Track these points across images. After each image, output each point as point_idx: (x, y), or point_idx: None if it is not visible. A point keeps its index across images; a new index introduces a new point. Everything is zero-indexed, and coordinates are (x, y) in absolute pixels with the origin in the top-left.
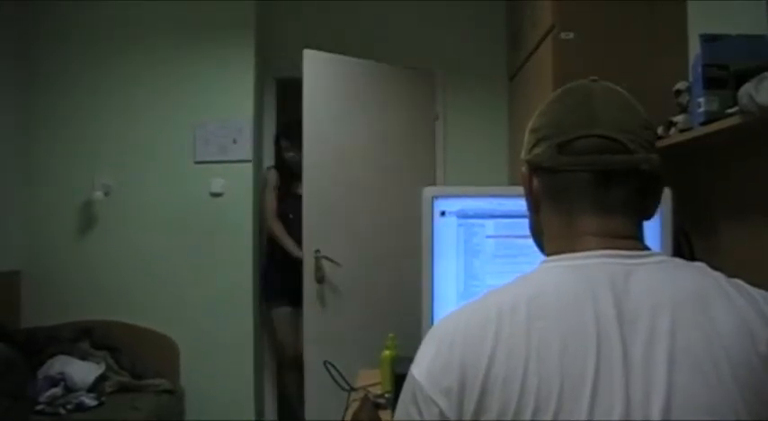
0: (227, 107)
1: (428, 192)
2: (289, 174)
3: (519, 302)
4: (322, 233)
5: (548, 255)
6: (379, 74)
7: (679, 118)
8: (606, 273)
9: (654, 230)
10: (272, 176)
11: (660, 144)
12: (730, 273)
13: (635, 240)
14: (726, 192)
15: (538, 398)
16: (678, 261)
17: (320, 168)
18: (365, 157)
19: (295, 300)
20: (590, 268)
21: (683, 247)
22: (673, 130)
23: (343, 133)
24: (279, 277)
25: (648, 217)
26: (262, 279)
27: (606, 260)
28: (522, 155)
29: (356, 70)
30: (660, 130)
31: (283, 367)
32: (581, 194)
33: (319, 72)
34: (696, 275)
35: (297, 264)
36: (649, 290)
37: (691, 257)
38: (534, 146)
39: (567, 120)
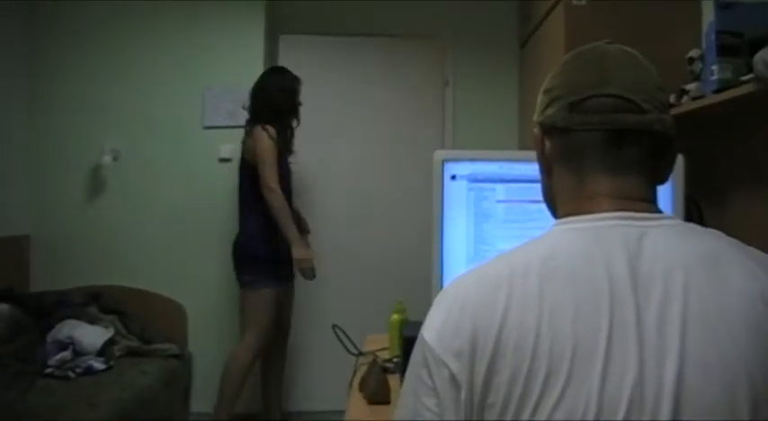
0: (236, 72)
1: (438, 155)
2: (286, 134)
3: (531, 264)
4: (325, 206)
5: (560, 217)
6: (373, 47)
7: (692, 86)
8: (619, 235)
9: (665, 197)
10: (273, 132)
11: (672, 112)
12: (740, 241)
13: (648, 203)
14: (737, 161)
15: (550, 362)
16: (691, 225)
17: (319, 143)
18: (368, 127)
19: (285, 277)
20: (603, 230)
21: (693, 215)
22: (685, 98)
23: (340, 107)
24: (272, 255)
25: (662, 181)
26: (245, 248)
27: (619, 222)
28: (535, 117)
29: (336, 50)
30: (672, 98)
31: (265, 351)
32: (593, 154)
33: (300, 58)
34: (709, 239)
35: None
36: (663, 252)
37: (701, 225)
38: (547, 106)
39: (580, 80)
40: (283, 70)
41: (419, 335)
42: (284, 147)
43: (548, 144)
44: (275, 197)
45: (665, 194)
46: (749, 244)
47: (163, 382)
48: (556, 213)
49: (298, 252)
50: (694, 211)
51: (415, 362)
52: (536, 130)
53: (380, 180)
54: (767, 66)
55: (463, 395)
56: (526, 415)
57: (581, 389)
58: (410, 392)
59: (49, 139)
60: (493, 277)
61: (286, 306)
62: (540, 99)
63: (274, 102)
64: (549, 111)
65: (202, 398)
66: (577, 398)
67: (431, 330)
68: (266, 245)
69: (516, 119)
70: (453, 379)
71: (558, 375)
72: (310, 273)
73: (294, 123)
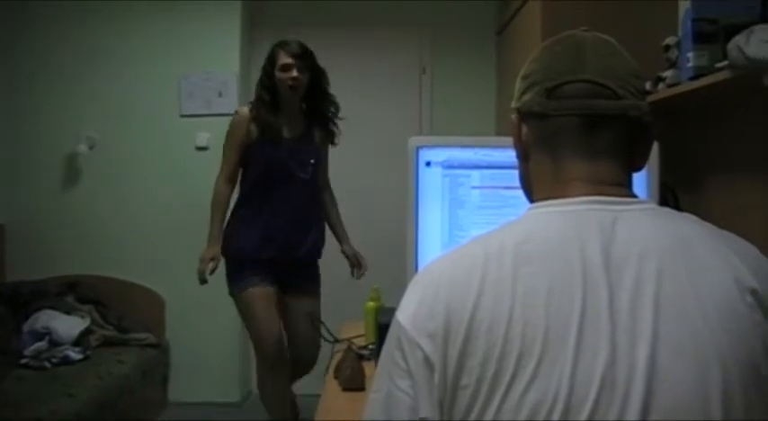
0: (213, 59)
1: (413, 141)
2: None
3: (505, 247)
4: None
5: (535, 201)
6: (350, 36)
7: (668, 73)
8: (594, 219)
9: (641, 184)
10: (244, 112)
11: (648, 99)
12: (714, 226)
13: (623, 187)
14: (713, 148)
15: (523, 344)
16: (665, 209)
17: None
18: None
19: (283, 278)
20: (577, 214)
21: (668, 202)
22: (661, 86)
23: None
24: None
25: (637, 167)
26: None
27: (593, 206)
28: (513, 103)
29: (313, 39)
30: (649, 86)
31: (266, 370)
32: (569, 139)
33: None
34: (684, 223)
35: (281, 221)
36: (637, 236)
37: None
38: (524, 92)
39: (557, 66)
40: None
41: (394, 318)
42: (267, 128)
43: (524, 129)
44: (215, 187)
45: (641, 181)
46: (725, 229)
47: (140, 372)
48: (532, 198)
49: (205, 251)
50: (670, 198)
51: (390, 344)
52: (513, 116)
53: (357, 168)
54: (741, 53)
55: (437, 377)
56: (498, 396)
57: (553, 371)
58: (384, 374)
59: (23, 128)
60: (467, 260)
61: (295, 319)
62: (518, 85)
63: (261, 76)
64: (527, 97)
65: (180, 386)
66: (549, 380)
67: (405, 313)
68: (245, 241)
69: (494, 106)
70: (427, 361)
71: (529, 357)
72: (200, 275)
73: (288, 99)
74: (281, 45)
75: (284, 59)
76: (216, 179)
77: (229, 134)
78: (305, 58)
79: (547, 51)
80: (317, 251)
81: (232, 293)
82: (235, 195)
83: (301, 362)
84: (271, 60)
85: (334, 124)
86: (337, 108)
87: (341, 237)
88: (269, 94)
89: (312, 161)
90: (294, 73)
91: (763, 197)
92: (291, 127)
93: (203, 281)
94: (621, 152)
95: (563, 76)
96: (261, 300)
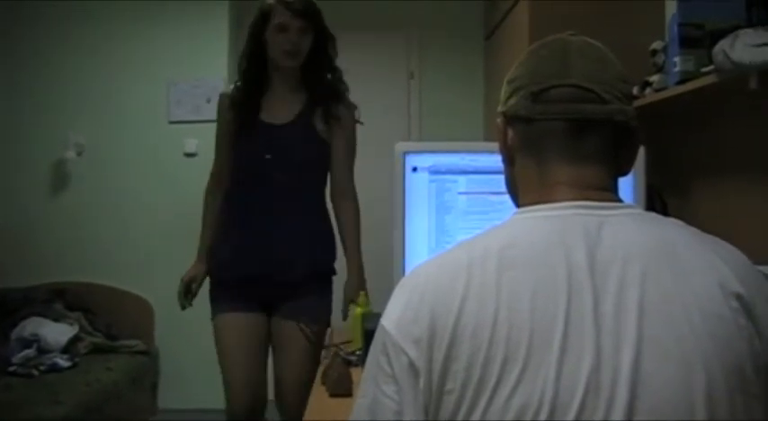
0: (201, 65)
1: (400, 147)
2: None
3: (490, 252)
4: None
5: (521, 206)
6: (338, 41)
7: (654, 78)
8: (579, 223)
9: (627, 188)
10: (222, 103)
11: (636, 104)
12: (699, 230)
13: (608, 192)
14: (699, 153)
15: (507, 348)
16: (651, 214)
17: None
18: None
19: (258, 296)
20: (562, 219)
21: (656, 207)
22: (648, 90)
23: None
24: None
25: (623, 172)
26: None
27: (579, 211)
28: (499, 107)
29: None
30: (636, 90)
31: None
32: (554, 144)
33: None
34: (669, 228)
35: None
36: (622, 241)
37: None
38: (510, 96)
39: (543, 71)
40: None
41: (379, 324)
42: (240, 111)
43: (510, 134)
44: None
45: (627, 185)
46: (710, 233)
47: (129, 379)
48: (518, 203)
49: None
50: (658, 203)
51: (375, 349)
52: (499, 120)
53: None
54: (727, 57)
55: (422, 382)
56: (483, 401)
57: (537, 375)
58: (370, 380)
59: (11, 134)
60: (452, 265)
61: (280, 354)
62: (504, 89)
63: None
64: (512, 101)
65: (170, 394)
66: (534, 385)
67: (390, 318)
68: (217, 255)
69: (482, 111)
70: (412, 366)
71: (514, 362)
72: (178, 299)
73: (280, 70)
74: None
75: (281, 17)
76: (207, 182)
77: (217, 124)
78: (309, 16)
79: (533, 55)
80: (319, 269)
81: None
82: None
83: (286, 412)
84: (262, 18)
85: (341, 101)
86: (345, 86)
87: (349, 266)
88: (254, 63)
89: (304, 156)
90: (293, 35)
91: (751, 200)
92: (278, 108)
93: (182, 306)
94: (607, 157)
95: (549, 81)
96: (231, 329)
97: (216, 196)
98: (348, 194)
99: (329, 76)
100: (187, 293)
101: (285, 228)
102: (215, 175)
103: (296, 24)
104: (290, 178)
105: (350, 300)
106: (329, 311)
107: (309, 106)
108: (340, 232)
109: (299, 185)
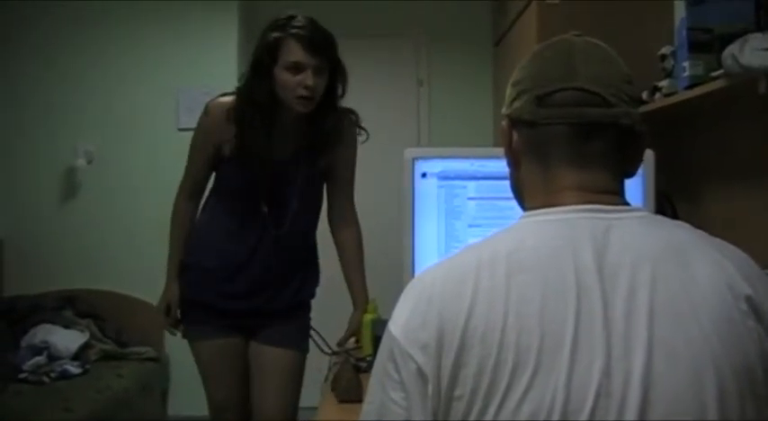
0: (211, 73)
1: (409, 153)
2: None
3: (498, 256)
4: None
5: (528, 210)
6: (347, 48)
7: (664, 83)
8: (586, 227)
9: (636, 192)
10: (214, 105)
11: (645, 109)
12: (712, 235)
13: (615, 195)
14: (709, 157)
15: (517, 353)
16: (658, 216)
17: None
18: None
19: (238, 322)
20: (570, 222)
21: (666, 211)
22: (657, 95)
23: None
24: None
25: (629, 174)
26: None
27: (586, 215)
28: (503, 110)
29: None
30: (645, 95)
31: None
32: (560, 147)
33: None
34: (676, 230)
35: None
36: (630, 244)
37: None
38: (515, 99)
39: (547, 74)
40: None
41: (386, 329)
42: (246, 151)
43: (515, 137)
44: (173, 206)
45: (635, 189)
46: (722, 238)
47: (139, 386)
48: (524, 206)
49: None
50: (668, 207)
51: (382, 355)
52: (504, 123)
53: (355, 180)
54: (736, 61)
55: (430, 388)
56: (493, 407)
57: (548, 380)
58: (377, 386)
59: (21, 142)
60: (460, 270)
61: (262, 379)
62: (509, 91)
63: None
64: (517, 104)
65: (180, 401)
66: (545, 389)
67: (397, 324)
68: (200, 278)
69: (491, 117)
70: (420, 372)
71: (524, 367)
72: (168, 330)
73: (290, 111)
74: (290, 29)
75: (295, 55)
76: (176, 195)
77: (196, 136)
78: (326, 52)
79: (537, 57)
80: (301, 298)
81: (184, 335)
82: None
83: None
84: (271, 50)
85: (343, 137)
86: (356, 118)
87: (355, 301)
88: (262, 102)
89: (301, 203)
90: (309, 79)
91: (760, 204)
92: (278, 141)
93: (171, 333)
94: (613, 160)
95: (553, 84)
96: (215, 356)
97: (193, 211)
98: (350, 220)
99: (335, 114)
100: (172, 322)
101: (272, 264)
102: (186, 191)
103: (312, 63)
104: (284, 223)
105: (351, 335)
106: (308, 336)
107: (310, 140)
108: (341, 259)
109: (293, 228)
